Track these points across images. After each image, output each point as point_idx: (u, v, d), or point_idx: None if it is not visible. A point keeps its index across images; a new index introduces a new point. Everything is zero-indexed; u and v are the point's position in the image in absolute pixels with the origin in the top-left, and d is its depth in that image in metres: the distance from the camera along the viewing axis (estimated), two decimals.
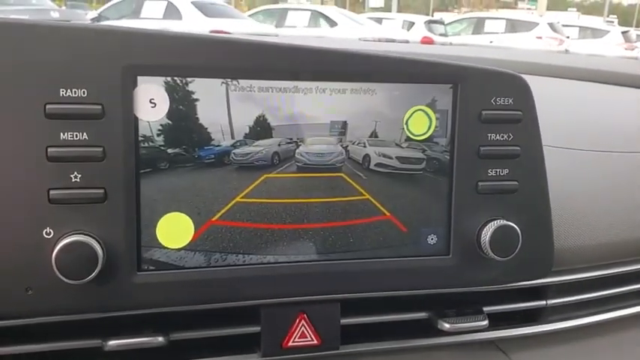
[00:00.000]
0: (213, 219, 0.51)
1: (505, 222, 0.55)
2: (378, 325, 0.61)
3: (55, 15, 7.24)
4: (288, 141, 0.52)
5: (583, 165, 0.74)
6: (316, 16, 10.67)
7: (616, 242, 0.68)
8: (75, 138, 0.47)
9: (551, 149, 0.68)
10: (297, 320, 0.56)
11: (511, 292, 0.65)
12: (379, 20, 12.76)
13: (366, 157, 0.55)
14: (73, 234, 0.47)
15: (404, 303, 0.62)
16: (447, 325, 0.60)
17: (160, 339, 0.52)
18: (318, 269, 0.54)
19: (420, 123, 0.54)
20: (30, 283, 0.47)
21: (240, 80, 0.50)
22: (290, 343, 0.56)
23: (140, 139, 0.49)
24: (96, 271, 0.46)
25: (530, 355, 0.65)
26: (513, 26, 12.64)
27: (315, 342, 0.57)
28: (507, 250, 0.55)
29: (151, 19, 8.26)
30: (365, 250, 0.55)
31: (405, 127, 0.54)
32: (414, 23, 12.58)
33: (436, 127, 0.55)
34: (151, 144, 0.49)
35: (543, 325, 0.67)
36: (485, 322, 0.61)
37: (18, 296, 0.47)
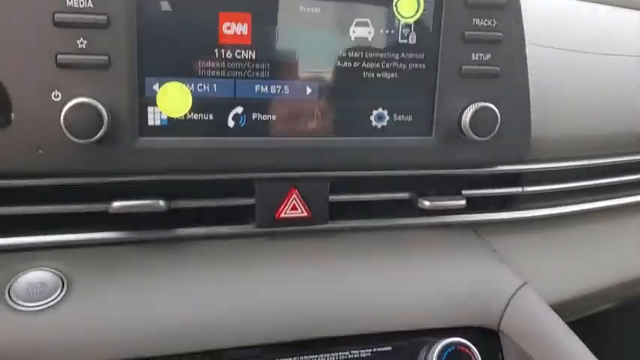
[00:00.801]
0: None
1: (485, 104, 0.58)
2: (365, 207, 0.66)
3: None
4: None
5: (570, 64, 0.76)
6: None
7: (594, 135, 0.72)
8: (80, 5, 0.49)
9: (543, 49, 0.70)
10: (289, 193, 0.60)
11: (490, 179, 0.69)
12: None
13: None
14: (80, 97, 0.50)
15: (389, 188, 0.66)
16: (426, 203, 0.64)
17: (162, 203, 0.56)
18: (309, 145, 0.57)
19: (409, 4, 0.57)
20: (40, 143, 0.50)
21: None
22: (282, 215, 0.61)
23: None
24: (101, 131, 0.49)
25: (502, 239, 0.70)
26: None
27: (306, 214, 0.61)
28: (486, 131, 0.59)
29: None
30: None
31: (394, 8, 0.57)
32: None
33: (424, 10, 0.57)
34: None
35: (519, 212, 0.71)
36: (463, 202, 0.65)
37: (29, 155, 0.50)
